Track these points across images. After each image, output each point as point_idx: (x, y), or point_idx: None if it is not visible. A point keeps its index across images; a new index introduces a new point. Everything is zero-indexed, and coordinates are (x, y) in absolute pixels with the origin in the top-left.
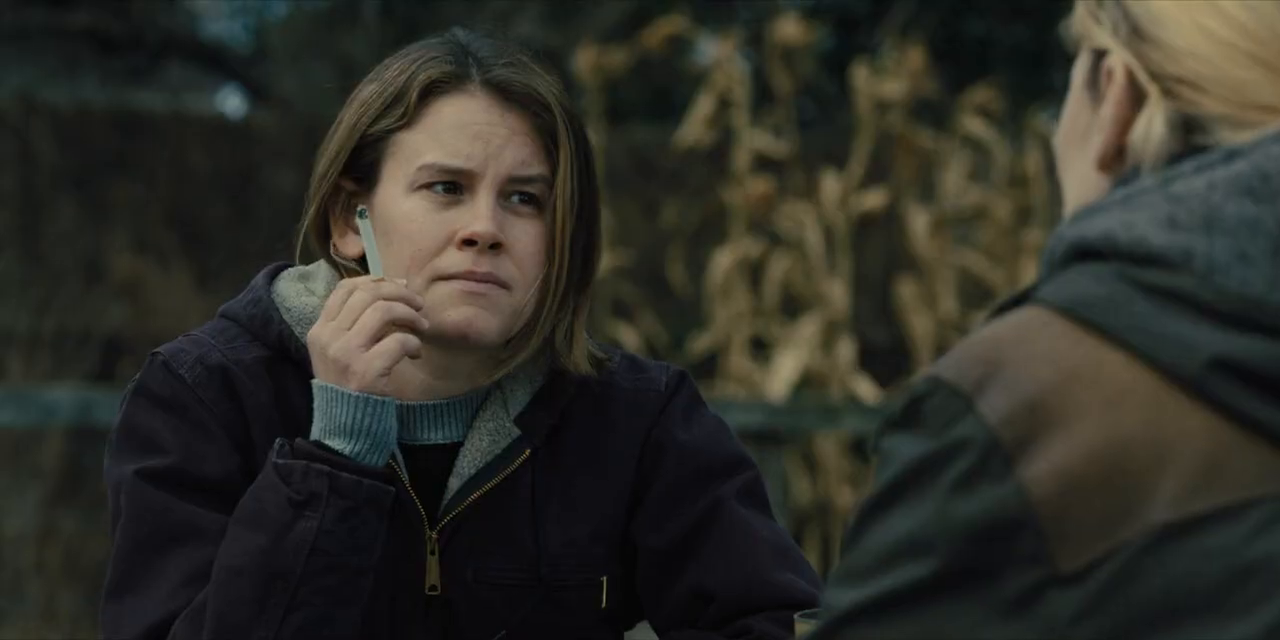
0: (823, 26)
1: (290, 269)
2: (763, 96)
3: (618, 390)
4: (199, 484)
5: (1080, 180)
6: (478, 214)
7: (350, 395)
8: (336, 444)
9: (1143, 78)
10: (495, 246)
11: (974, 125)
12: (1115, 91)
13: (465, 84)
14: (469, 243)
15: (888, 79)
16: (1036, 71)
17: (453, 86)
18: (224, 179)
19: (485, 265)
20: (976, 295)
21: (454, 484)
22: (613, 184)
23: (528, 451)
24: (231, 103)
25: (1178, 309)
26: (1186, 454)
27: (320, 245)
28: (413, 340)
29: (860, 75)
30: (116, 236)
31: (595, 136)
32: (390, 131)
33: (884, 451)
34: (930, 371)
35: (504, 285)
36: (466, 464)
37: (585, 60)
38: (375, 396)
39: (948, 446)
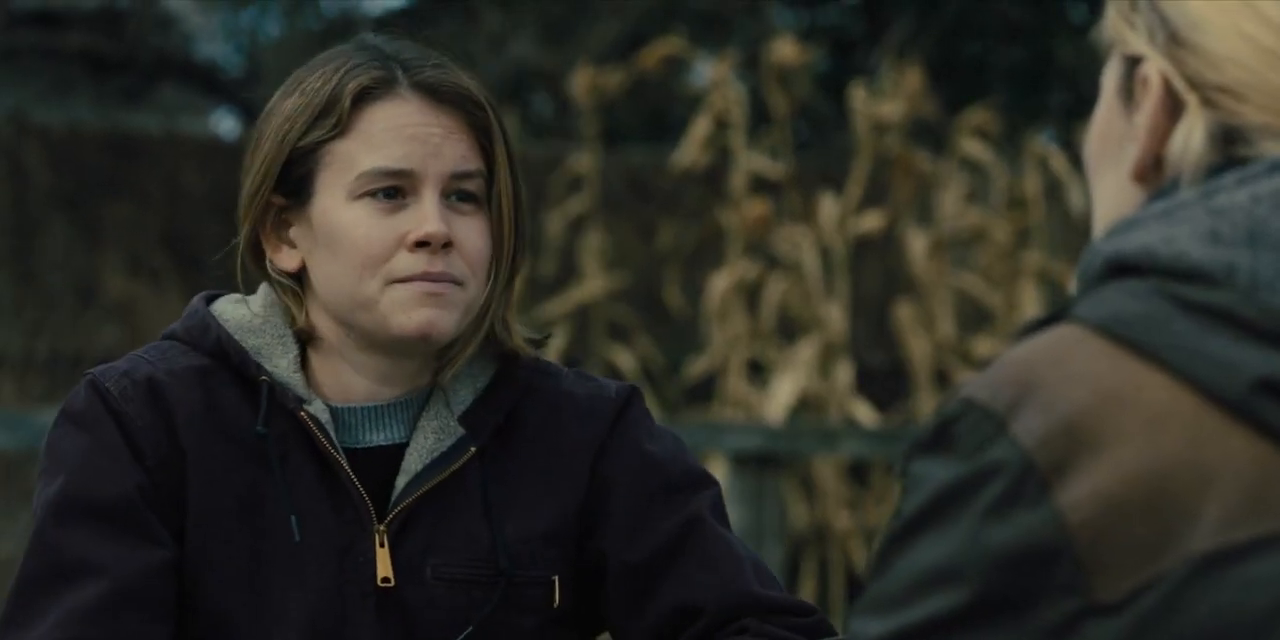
0: (818, 48)
1: (227, 295)
2: (759, 118)
3: (567, 396)
4: (90, 508)
5: (1114, 192)
6: (425, 215)
7: None
8: None
9: (1180, 86)
10: (446, 245)
11: (972, 147)
12: (1151, 100)
13: (395, 88)
14: (421, 244)
15: (885, 100)
16: (1034, 93)
17: (383, 92)
18: (218, 200)
19: (440, 265)
20: (975, 318)
21: (400, 481)
22: (608, 206)
23: (472, 449)
24: (225, 124)
25: (1220, 327)
26: (1230, 479)
27: (255, 265)
28: None
29: (858, 96)
30: (109, 258)
31: (591, 158)
32: (322, 142)
33: (913, 476)
34: (961, 392)
35: (458, 283)
36: (413, 461)
37: (581, 81)
38: None
39: (980, 471)
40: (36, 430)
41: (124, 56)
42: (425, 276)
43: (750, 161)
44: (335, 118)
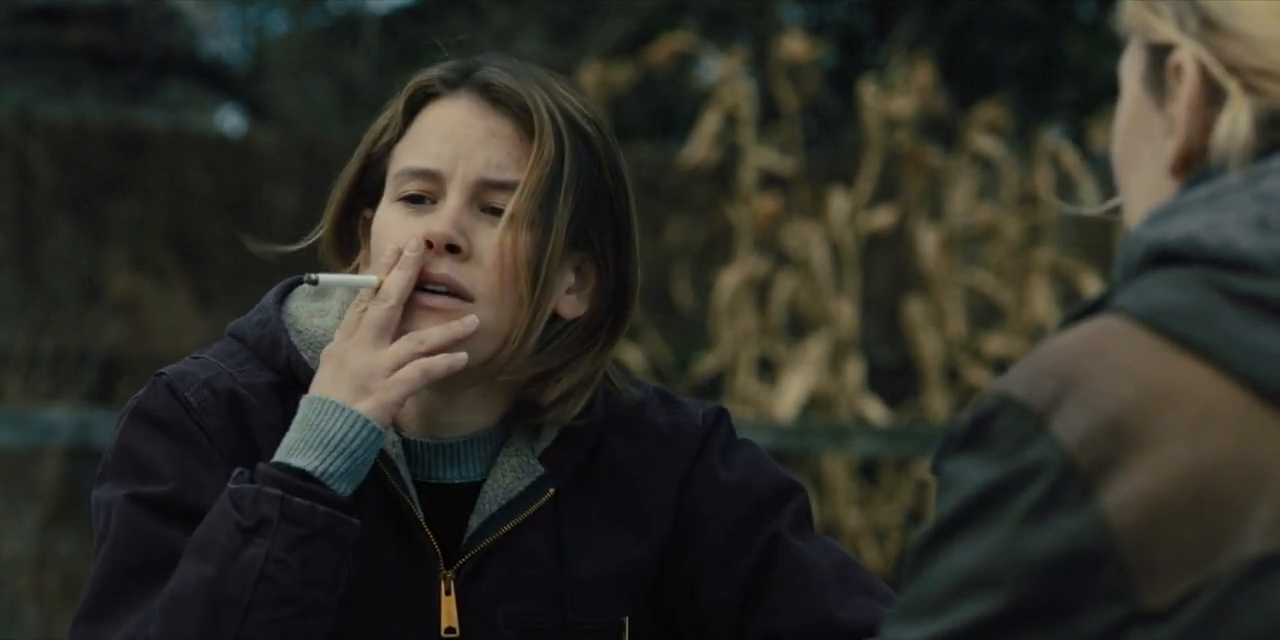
0: (827, 44)
1: (303, 286)
2: (769, 114)
3: (650, 425)
4: (191, 514)
5: (1148, 187)
6: (439, 215)
7: (354, 413)
8: (307, 461)
9: (1218, 72)
10: (455, 250)
11: (983, 143)
12: (1187, 89)
13: (454, 88)
14: (430, 245)
15: (895, 96)
16: (1043, 89)
17: (439, 92)
18: (223, 197)
19: (442, 267)
20: (986, 315)
21: (474, 523)
22: None
23: (551, 491)
24: (230, 121)
25: (1270, 319)
26: None
27: (341, 265)
28: (437, 366)
29: (868, 92)
30: (114, 255)
31: None
32: (388, 146)
33: (947, 475)
34: (998, 387)
35: (464, 296)
36: (488, 501)
37: (589, 77)
38: (375, 424)
39: (1019, 471)
40: (41, 428)
41: (129, 53)
42: (425, 278)
43: (759, 157)
44: (393, 117)
